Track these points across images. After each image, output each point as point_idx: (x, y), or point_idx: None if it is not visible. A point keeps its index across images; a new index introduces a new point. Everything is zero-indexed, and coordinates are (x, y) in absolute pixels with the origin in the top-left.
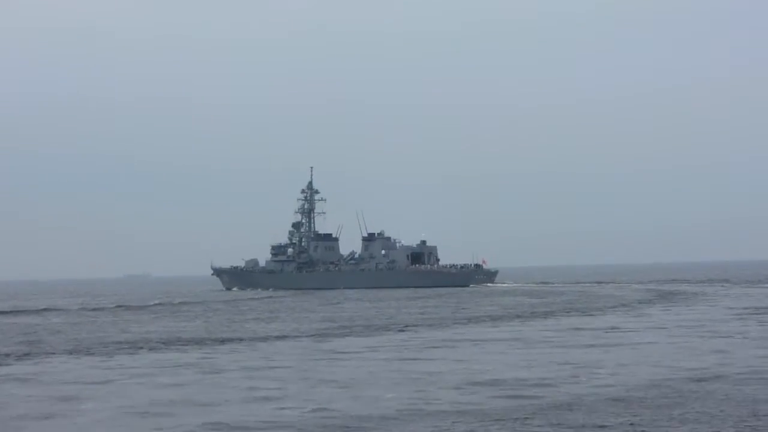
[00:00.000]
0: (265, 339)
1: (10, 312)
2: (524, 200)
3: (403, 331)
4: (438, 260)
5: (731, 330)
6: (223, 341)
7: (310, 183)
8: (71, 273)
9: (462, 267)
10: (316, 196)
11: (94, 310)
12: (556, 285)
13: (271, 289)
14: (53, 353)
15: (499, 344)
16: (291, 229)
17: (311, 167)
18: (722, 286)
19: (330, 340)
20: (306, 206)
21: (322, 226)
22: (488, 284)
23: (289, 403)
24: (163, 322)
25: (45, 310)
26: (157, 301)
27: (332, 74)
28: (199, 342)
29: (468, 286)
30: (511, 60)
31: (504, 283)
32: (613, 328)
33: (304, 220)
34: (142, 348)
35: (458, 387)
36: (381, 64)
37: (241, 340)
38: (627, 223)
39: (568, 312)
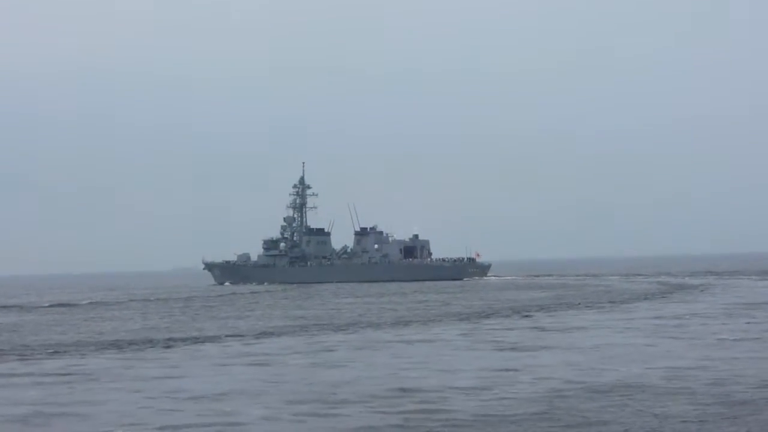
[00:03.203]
0: (202, 341)
1: None
2: (519, 192)
3: (355, 331)
4: (431, 254)
5: (705, 330)
6: (152, 343)
7: (302, 178)
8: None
9: (455, 261)
10: (308, 191)
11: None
12: (549, 278)
13: (266, 283)
14: None
15: (440, 345)
16: (283, 223)
17: (303, 162)
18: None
19: (266, 340)
20: (298, 201)
21: (314, 220)
22: (481, 277)
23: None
24: (112, 321)
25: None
26: (142, 297)
27: (323, 68)
28: (131, 344)
29: (461, 279)
30: (502, 47)
31: (497, 276)
32: (579, 327)
33: (296, 215)
34: (57, 352)
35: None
36: (375, 56)
37: (183, 340)
38: (626, 215)
39: (543, 309)
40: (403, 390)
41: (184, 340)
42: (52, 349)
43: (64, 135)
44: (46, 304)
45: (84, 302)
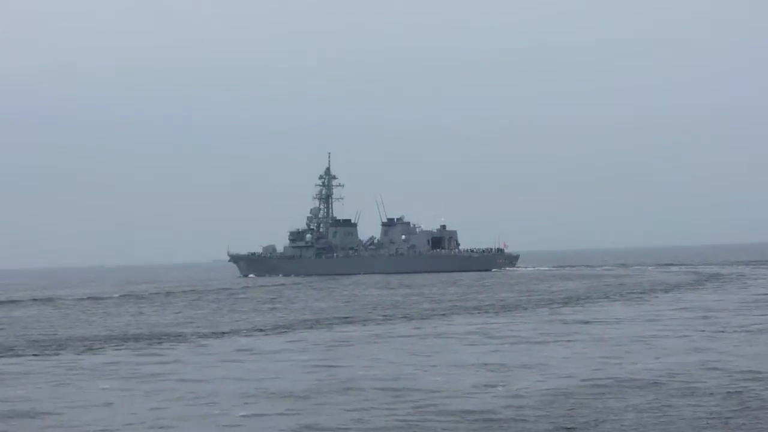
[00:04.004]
0: (212, 336)
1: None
2: (547, 183)
3: (364, 324)
4: (458, 245)
5: (718, 324)
6: (161, 339)
7: (328, 168)
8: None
9: (483, 251)
10: (334, 182)
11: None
12: (578, 269)
13: (292, 275)
14: None
15: (450, 339)
16: (309, 215)
17: (329, 153)
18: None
19: (272, 335)
20: (324, 192)
21: (340, 211)
22: (510, 268)
23: None
24: (137, 314)
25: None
26: (168, 290)
27: (350, 58)
28: (147, 338)
29: (490, 270)
30: (530, 41)
31: (526, 267)
32: (603, 320)
33: (322, 206)
34: (64, 348)
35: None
36: (398, 50)
37: (196, 336)
38: (657, 203)
39: (570, 300)
40: (397, 389)
41: (195, 334)
42: (54, 343)
43: (104, 135)
44: (79, 297)
45: (115, 295)
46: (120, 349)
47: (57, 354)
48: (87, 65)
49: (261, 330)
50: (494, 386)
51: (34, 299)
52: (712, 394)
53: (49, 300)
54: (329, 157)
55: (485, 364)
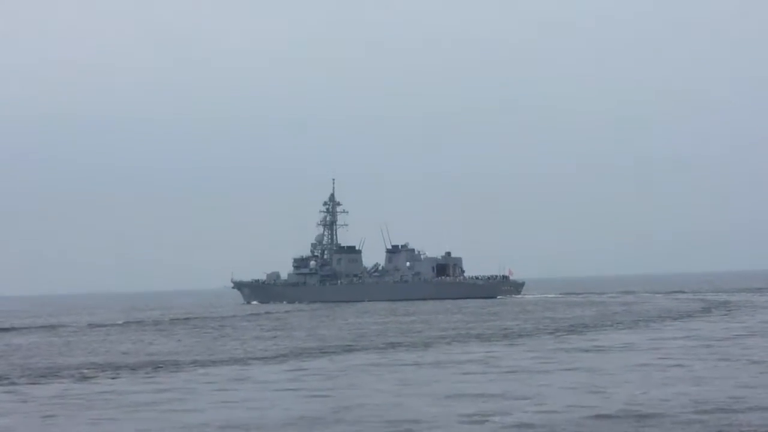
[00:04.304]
0: (217, 364)
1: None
2: (552, 209)
3: (374, 352)
4: (463, 272)
5: (738, 352)
6: (158, 367)
7: (332, 195)
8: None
9: (488, 278)
10: (338, 208)
11: (101, 326)
12: (584, 296)
13: (296, 302)
14: None
15: (449, 369)
16: (313, 241)
17: (333, 179)
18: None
19: (271, 363)
20: (328, 218)
21: (344, 238)
22: (515, 295)
23: None
24: (138, 341)
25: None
26: (171, 317)
27: (354, 85)
28: (144, 366)
29: (495, 297)
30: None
31: (531, 294)
32: (605, 347)
33: (326, 233)
34: (56, 375)
35: None
36: (401, 74)
37: (193, 364)
38: (661, 231)
39: (573, 328)
40: (390, 421)
41: (193, 363)
42: (54, 372)
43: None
44: (83, 324)
45: (119, 322)
46: (116, 378)
47: (51, 383)
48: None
49: (259, 358)
50: (484, 420)
51: (38, 326)
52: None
53: (52, 327)
54: (333, 183)
55: (481, 395)
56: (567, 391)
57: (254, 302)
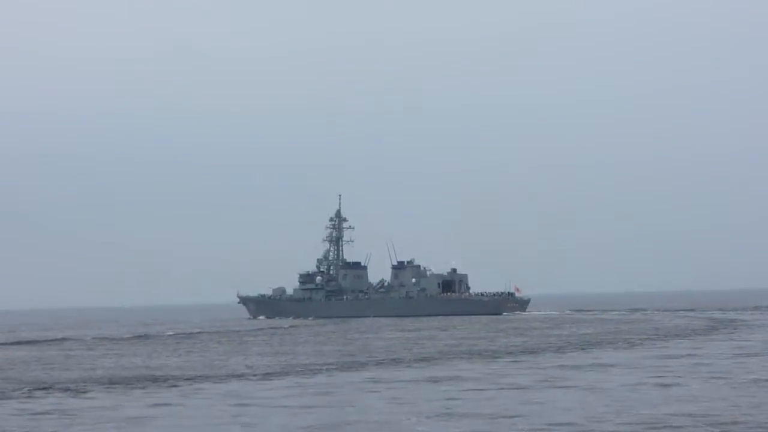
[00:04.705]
0: (214, 379)
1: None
2: (559, 224)
3: (372, 369)
4: (469, 288)
5: (719, 372)
6: (154, 382)
7: (338, 211)
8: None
9: (494, 295)
10: (345, 224)
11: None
12: (590, 313)
13: (301, 318)
14: None
15: (448, 386)
16: (319, 257)
17: (339, 195)
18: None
19: (270, 379)
20: (334, 234)
21: (350, 254)
22: (520, 312)
23: None
24: (139, 356)
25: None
26: (173, 332)
27: (357, 97)
28: (140, 381)
29: (500, 314)
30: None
31: (537, 311)
32: (606, 365)
33: (332, 248)
34: (51, 389)
35: None
36: (406, 85)
37: (190, 380)
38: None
39: (576, 346)
40: None
41: (190, 378)
42: (49, 385)
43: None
44: (89, 338)
45: (125, 336)
46: (110, 392)
47: (44, 397)
48: (107, 103)
49: (257, 375)
50: None
51: (44, 340)
52: None
53: (56, 341)
54: (340, 199)
55: (475, 414)
56: (558, 411)
57: (261, 317)
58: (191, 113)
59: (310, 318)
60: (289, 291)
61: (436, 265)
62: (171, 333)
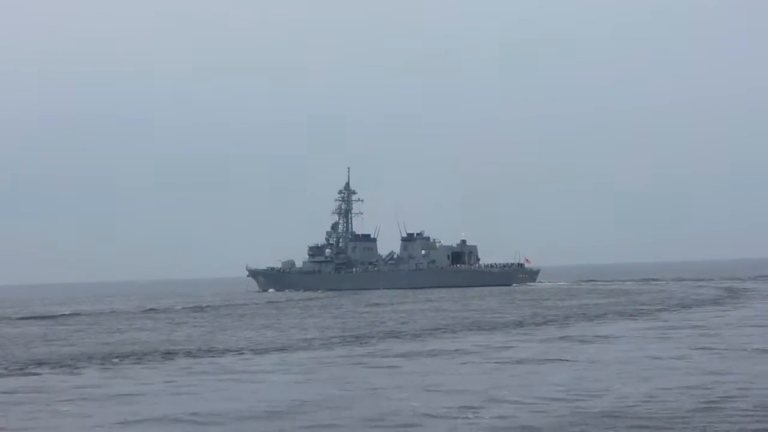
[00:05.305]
0: (212, 353)
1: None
2: (573, 194)
3: (375, 342)
4: (479, 260)
5: (726, 342)
6: (151, 357)
7: (347, 183)
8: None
9: (504, 266)
10: (354, 197)
11: (112, 313)
12: (602, 283)
13: (311, 290)
14: None
15: (447, 359)
16: (329, 230)
17: (348, 168)
18: None
19: (269, 353)
20: (343, 207)
21: (359, 226)
22: (530, 283)
23: None
24: (143, 330)
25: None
26: (182, 305)
27: (367, 74)
28: (137, 356)
29: (510, 285)
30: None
31: (547, 281)
32: (610, 337)
33: (341, 221)
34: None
35: None
36: (414, 64)
37: (186, 354)
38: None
39: (582, 317)
40: (369, 419)
41: (187, 353)
42: (42, 362)
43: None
44: (98, 312)
45: (134, 311)
46: (103, 369)
47: (38, 374)
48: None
49: (255, 350)
50: (463, 416)
51: (54, 315)
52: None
53: (64, 316)
54: (349, 172)
55: (468, 391)
56: (562, 387)
57: (270, 290)
58: (198, 86)
59: (319, 291)
60: (299, 264)
61: (446, 236)
62: (179, 307)
